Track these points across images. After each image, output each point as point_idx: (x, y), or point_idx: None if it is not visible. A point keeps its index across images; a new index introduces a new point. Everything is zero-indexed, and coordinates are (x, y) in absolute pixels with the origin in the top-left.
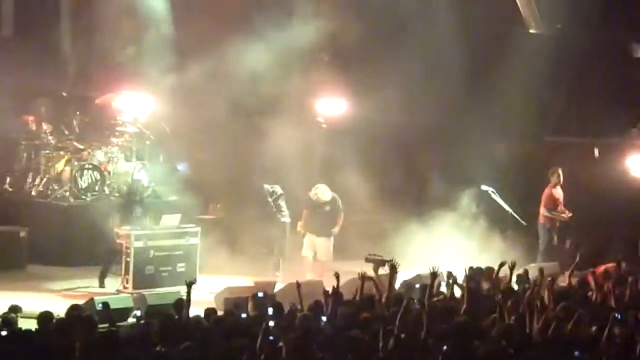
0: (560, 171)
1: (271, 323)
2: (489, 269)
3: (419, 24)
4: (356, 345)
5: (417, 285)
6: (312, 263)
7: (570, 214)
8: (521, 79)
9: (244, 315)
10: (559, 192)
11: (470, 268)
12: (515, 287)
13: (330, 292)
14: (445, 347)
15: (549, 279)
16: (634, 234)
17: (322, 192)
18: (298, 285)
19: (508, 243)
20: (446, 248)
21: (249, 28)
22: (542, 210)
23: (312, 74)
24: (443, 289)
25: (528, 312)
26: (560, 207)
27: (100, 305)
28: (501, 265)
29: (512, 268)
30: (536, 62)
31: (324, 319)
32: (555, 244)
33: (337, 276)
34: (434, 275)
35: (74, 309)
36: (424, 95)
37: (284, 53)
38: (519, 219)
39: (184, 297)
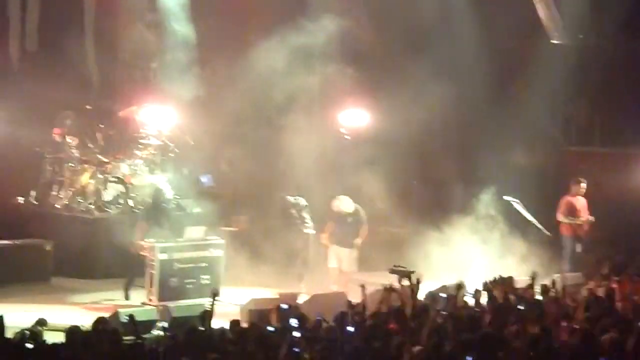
0: (583, 181)
1: (296, 334)
2: (510, 279)
3: (441, 35)
4: (380, 357)
5: (443, 295)
6: (337, 274)
7: (592, 218)
8: (544, 88)
9: (271, 328)
10: (580, 202)
11: (500, 277)
12: (539, 297)
13: (356, 303)
14: (469, 358)
15: (574, 289)
16: None
17: (344, 204)
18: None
19: (531, 251)
20: (468, 257)
21: (271, 41)
22: (559, 217)
23: (335, 84)
24: (467, 299)
25: (554, 322)
26: (581, 215)
27: (126, 317)
28: (532, 283)
29: (533, 278)
30: (559, 72)
31: (350, 329)
32: (578, 254)
33: (363, 288)
34: (460, 286)
35: (99, 322)
36: (447, 104)
37: (307, 65)
38: (543, 229)
39: (209, 309)
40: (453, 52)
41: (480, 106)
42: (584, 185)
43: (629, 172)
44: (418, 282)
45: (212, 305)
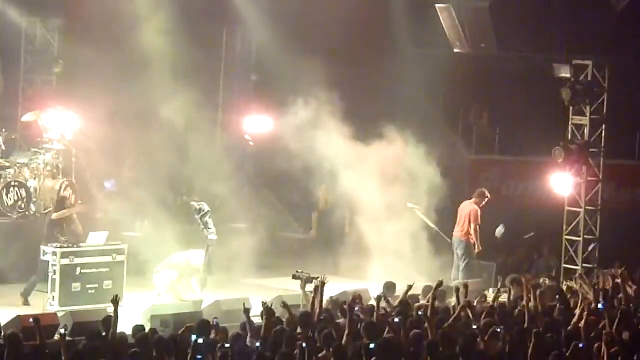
0: (486, 192)
1: (200, 340)
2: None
3: (340, 40)
4: None
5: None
6: None
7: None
8: (446, 97)
9: (178, 333)
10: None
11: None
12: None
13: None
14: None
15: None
16: (557, 251)
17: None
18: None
19: (431, 258)
20: (370, 263)
21: (175, 47)
22: (476, 228)
23: (238, 91)
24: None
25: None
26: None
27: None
28: (437, 286)
29: (437, 287)
30: (460, 81)
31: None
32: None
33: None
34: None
35: None
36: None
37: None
38: (444, 236)
39: (112, 315)
40: (359, 64)
41: (379, 114)
42: (486, 195)
43: (528, 180)
44: (322, 285)
45: (115, 311)
